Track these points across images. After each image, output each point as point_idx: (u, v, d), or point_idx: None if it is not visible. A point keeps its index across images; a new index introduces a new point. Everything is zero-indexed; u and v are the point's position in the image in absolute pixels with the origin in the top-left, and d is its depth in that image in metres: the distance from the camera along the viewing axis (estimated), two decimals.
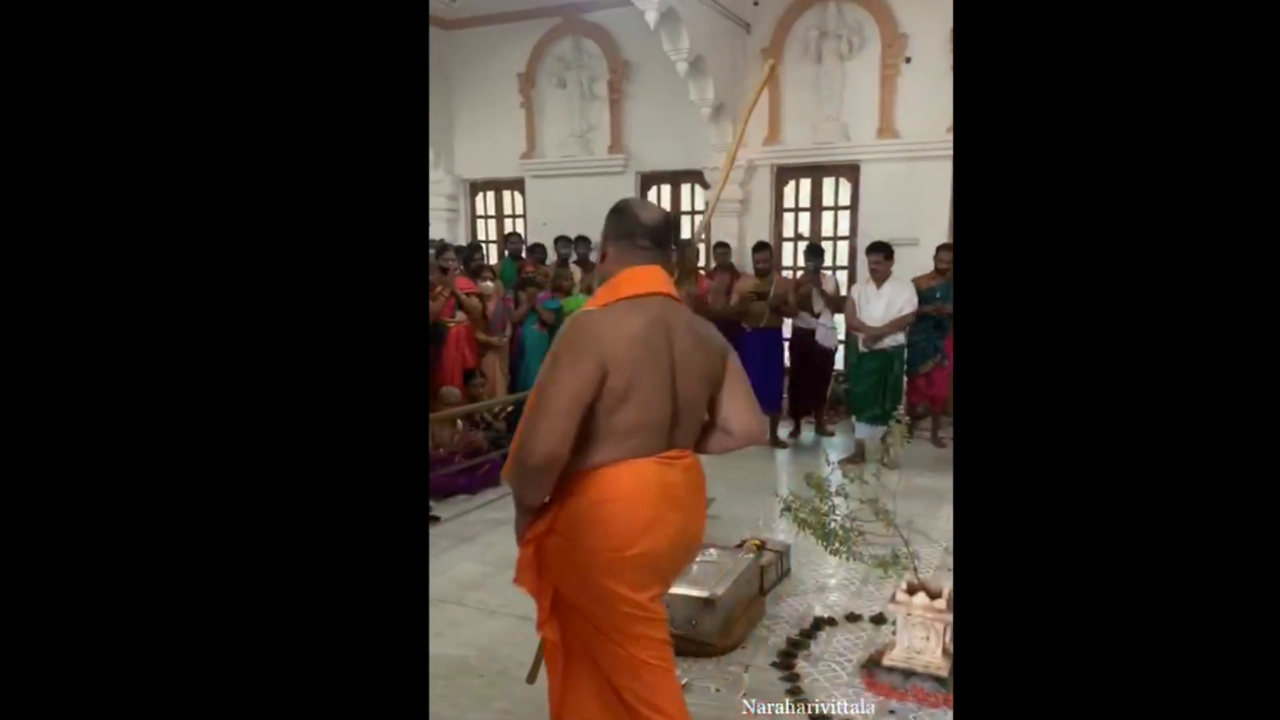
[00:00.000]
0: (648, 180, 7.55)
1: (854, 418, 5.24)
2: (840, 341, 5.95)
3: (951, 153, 6.11)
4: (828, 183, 6.86)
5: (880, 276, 5.06)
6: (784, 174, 6.93)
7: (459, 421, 4.86)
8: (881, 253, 5.06)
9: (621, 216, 1.71)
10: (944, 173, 6.22)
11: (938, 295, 5.32)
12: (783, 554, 3.36)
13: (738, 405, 1.74)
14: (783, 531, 3.75)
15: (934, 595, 2.56)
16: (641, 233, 1.68)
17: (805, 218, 6.96)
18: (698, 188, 7.29)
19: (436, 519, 4.17)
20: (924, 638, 2.55)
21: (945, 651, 2.55)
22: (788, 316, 5.67)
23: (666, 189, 7.56)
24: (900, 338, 5.11)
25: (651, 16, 5.50)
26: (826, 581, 3.35)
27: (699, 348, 1.66)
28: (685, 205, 7.52)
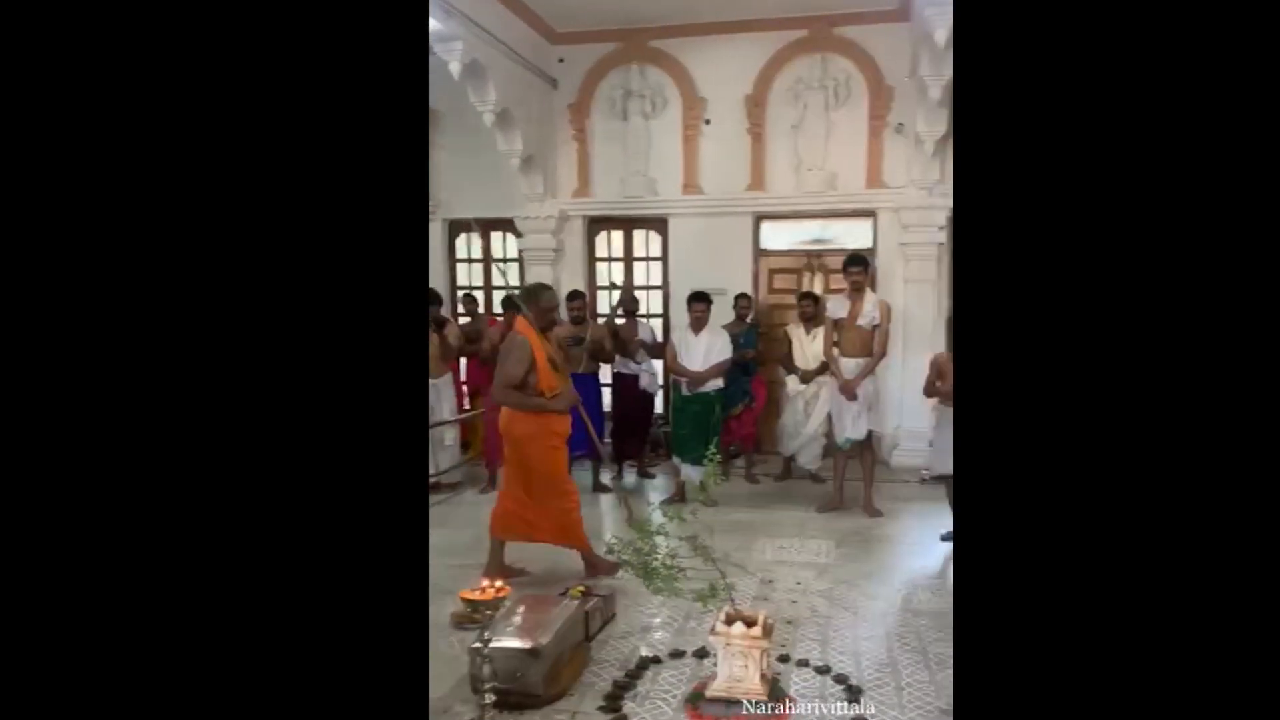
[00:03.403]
0: (455, 227, 7.46)
1: (676, 459, 5.40)
2: (660, 386, 6.16)
3: (750, 210, 6.61)
4: (638, 234, 7.12)
5: (701, 324, 5.33)
6: (595, 224, 7.12)
7: None
8: (705, 302, 5.35)
9: None
10: (744, 227, 6.67)
11: (741, 341, 5.70)
12: (608, 598, 3.38)
13: None
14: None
15: (750, 624, 2.67)
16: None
17: (618, 267, 7.17)
18: (509, 235, 7.31)
19: None
20: (743, 666, 2.65)
21: (764, 677, 2.66)
22: (605, 362, 5.79)
23: (476, 237, 7.50)
24: (719, 381, 5.36)
25: (455, 67, 5.50)
26: (651, 621, 3.40)
27: None
28: (497, 252, 7.50)
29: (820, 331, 5.34)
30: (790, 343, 5.72)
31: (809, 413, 5.52)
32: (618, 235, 7.15)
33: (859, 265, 5.02)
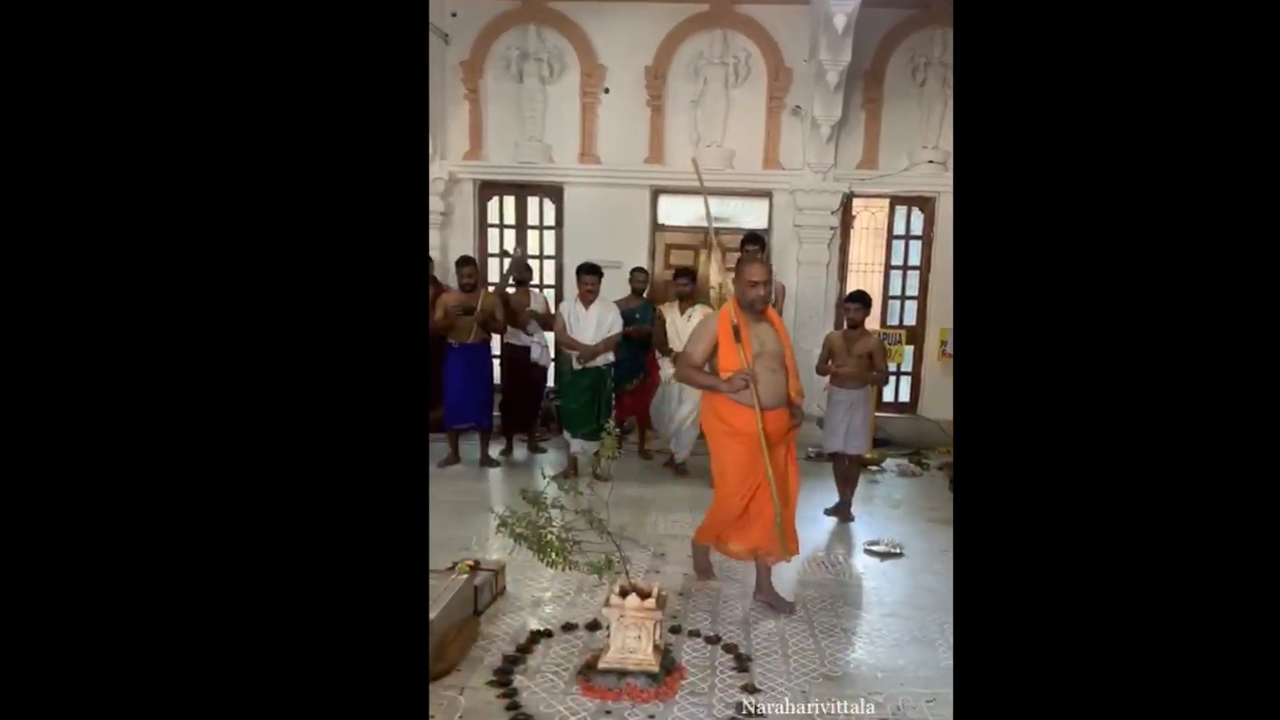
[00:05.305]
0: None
1: (566, 434, 5.28)
2: (551, 359, 6.02)
3: (648, 183, 6.54)
4: (532, 201, 6.93)
5: (592, 297, 5.13)
6: (487, 189, 6.88)
7: None
8: (595, 274, 5.15)
9: None
10: (642, 200, 6.61)
11: (637, 316, 5.56)
12: (497, 572, 3.29)
13: None
14: (497, 550, 3.68)
15: (645, 595, 2.64)
16: None
17: (511, 234, 6.97)
18: None
19: None
20: (636, 637, 2.62)
21: (656, 648, 2.64)
22: (496, 332, 5.61)
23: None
24: (610, 356, 5.23)
25: None
26: (542, 595, 3.32)
27: None
28: None
29: (695, 311, 5.22)
30: (664, 322, 5.37)
31: (681, 399, 5.29)
32: (510, 201, 6.94)
33: (756, 243, 5.06)
